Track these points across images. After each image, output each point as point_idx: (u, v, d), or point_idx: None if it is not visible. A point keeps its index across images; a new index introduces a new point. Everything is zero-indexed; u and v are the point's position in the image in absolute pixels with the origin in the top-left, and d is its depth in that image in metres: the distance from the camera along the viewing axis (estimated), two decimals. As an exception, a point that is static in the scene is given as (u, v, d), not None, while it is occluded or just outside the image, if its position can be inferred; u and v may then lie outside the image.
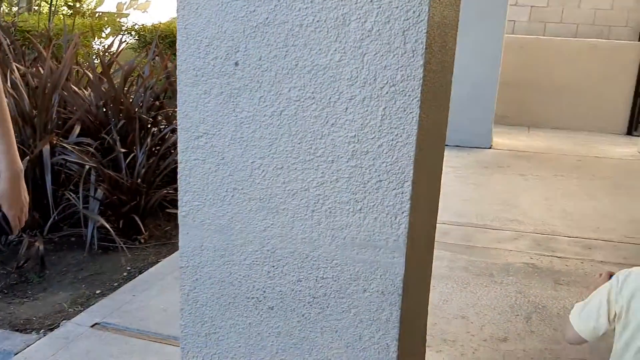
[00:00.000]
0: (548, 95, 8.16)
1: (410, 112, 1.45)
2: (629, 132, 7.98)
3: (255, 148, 1.58)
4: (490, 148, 6.75)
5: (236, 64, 1.56)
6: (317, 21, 1.46)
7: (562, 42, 8.26)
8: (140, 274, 3.31)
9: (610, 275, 1.54)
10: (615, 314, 1.37)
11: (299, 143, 1.55)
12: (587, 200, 4.83)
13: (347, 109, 1.49)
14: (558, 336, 2.69)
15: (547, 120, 8.14)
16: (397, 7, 1.40)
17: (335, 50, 1.47)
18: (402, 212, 1.51)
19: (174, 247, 3.63)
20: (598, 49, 8.06)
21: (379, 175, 1.51)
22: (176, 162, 4.20)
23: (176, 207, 3.99)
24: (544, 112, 8.17)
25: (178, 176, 1.67)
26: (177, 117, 1.63)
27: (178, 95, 1.62)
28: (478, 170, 5.73)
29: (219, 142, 1.61)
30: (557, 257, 3.63)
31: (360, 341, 1.61)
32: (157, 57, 4.93)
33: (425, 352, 2.19)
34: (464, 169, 5.77)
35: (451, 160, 6.04)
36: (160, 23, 6.94)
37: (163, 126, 4.32)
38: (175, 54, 5.63)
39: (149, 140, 3.95)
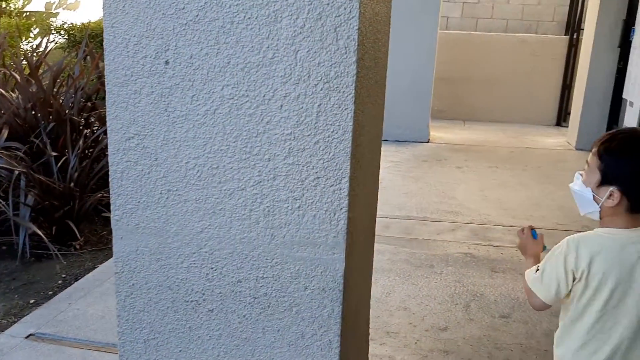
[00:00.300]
0: (481, 90, 8.39)
1: (345, 109, 1.46)
2: (558, 124, 8.31)
3: (189, 148, 1.55)
4: (428, 142, 6.89)
5: (166, 62, 1.52)
6: (249, 18, 1.44)
7: (493, 37, 8.51)
8: (76, 281, 3.20)
9: (532, 229, 1.80)
10: (575, 278, 1.53)
11: (234, 142, 1.52)
12: (520, 190, 5.00)
13: (282, 106, 1.48)
14: (496, 323, 2.77)
15: (481, 113, 8.37)
16: (328, 4, 1.39)
17: (268, 47, 1.45)
18: (341, 209, 1.51)
19: (112, 252, 3.52)
20: (527, 43, 8.35)
21: (316, 172, 1.50)
22: (111, 165, 4.03)
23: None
24: (478, 105, 8.41)
25: (110, 179, 1.61)
26: (107, 119, 1.58)
27: (107, 96, 1.56)
28: (417, 164, 5.84)
29: (152, 143, 1.57)
30: (493, 246, 3.74)
31: (303, 339, 1.61)
32: (87, 57, 4.77)
33: (368, 346, 2.21)
34: (404, 163, 5.87)
35: (391, 154, 6.12)
36: (90, 21, 6.71)
37: (96, 128, 4.19)
38: (106, 53, 5.37)
39: (81, 142, 3.82)
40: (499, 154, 6.44)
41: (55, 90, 4.17)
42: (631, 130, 1.64)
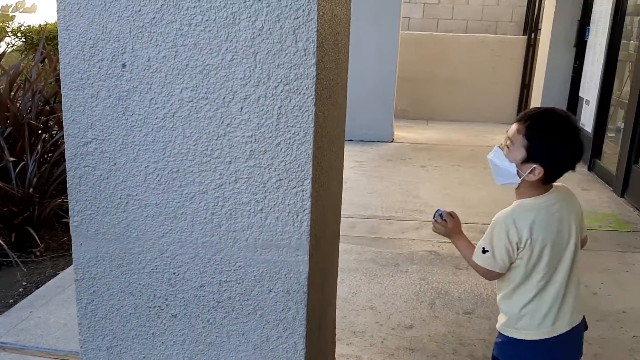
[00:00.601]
0: (443, 89, 8.51)
1: (306, 110, 1.46)
2: (519, 122, 8.48)
3: (149, 152, 1.53)
4: (392, 142, 6.94)
5: (123, 65, 1.50)
6: (207, 20, 1.43)
7: (453, 38, 8.64)
8: (37, 288, 3.13)
9: (438, 211, 1.98)
10: (519, 247, 1.72)
11: (194, 145, 1.51)
12: (481, 188, 5.08)
13: (242, 108, 1.48)
14: (460, 319, 2.81)
15: (444, 112, 8.49)
16: (286, 6, 1.40)
17: (227, 49, 1.45)
18: (304, 210, 1.52)
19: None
20: (487, 43, 8.49)
21: (278, 174, 1.50)
22: (71, 170, 3.94)
23: (73, 216, 3.75)
24: (440, 105, 8.52)
25: (68, 185, 1.58)
26: (64, 123, 1.55)
27: (63, 100, 1.53)
28: (382, 164, 5.88)
29: (110, 148, 1.55)
30: (457, 243, 3.79)
31: (268, 342, 1.60)
32: (45, 60, 4.66)
33: (335, 346, 2.22)
34: (368, 163, 5.90)
35: (356, 154, 6.16)
36: (47, 23, 6.56)
37: (55, 132, 4.10)
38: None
39: (39, 147, 3.73)
40: (461, 152, 6.54)
41: (12, 94, 4.07)
42: (552, 110, 1.73)
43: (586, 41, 6.42)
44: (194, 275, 1.58)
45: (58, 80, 4.33)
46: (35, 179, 3.60)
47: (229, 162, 1.51)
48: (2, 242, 3.26)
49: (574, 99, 6.63)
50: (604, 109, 5.77)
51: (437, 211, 1.98)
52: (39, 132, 3.98)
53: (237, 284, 1.58)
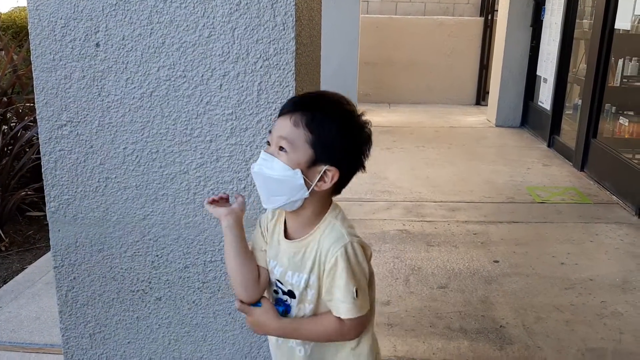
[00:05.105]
0: (404, 72, 8.57)
1: (287, 86, 1.46)
2: (478, 102, 8.61)
3: (127, 133, 1.51)
4: (356, 125, 6.97)
5: (97, 45, 1.46)
6: (183, -4, 1.41)
7: (412, 20, 8.69)
8: (5, 283, 3.04)
9: (256, 303, 1.32)
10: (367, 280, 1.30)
11: (174, 124, 1.49)
12: (447, 167, 5.15)
13: (221, 85, 1.46)
14: (435, 294, 2.86)
15: (405, 96, 8.55)
16: (264, -21, 1.39)
17: (204, 25, 1.43)
18: (286, 186, 1.51)
19: (40, 252, 3.36)
20: (445, 25, 8.58)
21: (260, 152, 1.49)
22: (33, 162, 3.85)
23: (37, 209, 3.68)
24: (402, 88, 8.58)
25: (43, 170, 1.54)
26: (36, 106, 1.51)
27: (35, 82, 1.49)
28: (347, 147, 5.90)
29: (86, 130, 1.51)
30: (426, 221, 3.84)
31: (255, 320, 1.60)
32: (0, 50, 4.51)
33: (316, 324, 2.23)
34: (334, 147, 5.91)
35: (320, 139, 6.15)
36: (-1, 13, 6.34)
37: (14, 123, 3.97)
38: (20, 46, 5.14)
39: (-1, 139, 3.62)
40: (425, 134, 6.61)
41: (-35, 86, 3.92)
42: (330, 93, 1.33)
43: (542, 20, 6.55)
44: (178, 257, 1.57)
45: (15, 71, 4.20)
46: (-5, 173, 3.48)
47: (209, 140, 1.49)
48: (-36, 239, 3.16)
49: (532, 78, 6.77)
50: (561, 86, 5.91)
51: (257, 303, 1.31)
52: (-3, 124, 3.85)
53: (222, 263, 1.57)
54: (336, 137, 1.21)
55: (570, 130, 5.65)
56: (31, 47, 1.47)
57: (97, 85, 1.48)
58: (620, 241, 3.56)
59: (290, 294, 1.30)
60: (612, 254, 3.37)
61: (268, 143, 1.24)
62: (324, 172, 1.21)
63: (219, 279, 1.57)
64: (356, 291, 1.22)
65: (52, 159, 1.53)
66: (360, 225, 3.77)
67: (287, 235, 1.30)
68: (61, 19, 1.45)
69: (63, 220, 1.57)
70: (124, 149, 1.51)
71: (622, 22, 4.64)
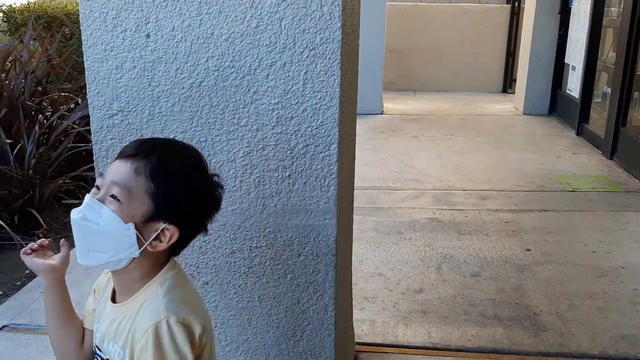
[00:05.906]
0: (430, 60, 8.52)
1: (332, 75, 1.48)
2: (504, 90, 8.54)
3: (176, 122, 1.54)
4: (382, 114, 6.96)
5: (148, 35, 1.50)
6: (232, -13, 1.43)
7: (438, 8, 8.63)
8: (43, 270, 3.13)
9: None
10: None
11: (222, 114, 1.53)
12: (476, 155, 5.14)
13: (268, 75, 1.49)
14: (468, 282, 2.88)
15: (431, 83, 8.52)
16: (312, -30, 1.40)
17: (252, 16, 1.45)
18: (331, 175, 1.54)
19: (77, 239, 3.44)
20: (471, 13, 8.50)
21: (305, 140, 1.52)
22: (69, 150, 3.93)
23: (73, 196, 3.76)
24: (427, 76, 8.54)
25: (94, 158, 1.59)
26: (88, 96, 1.55)
27: (87, 72, 1.53)
28: (374, 136, 5.91)
29: (137, 119, 1.55)
30: (456, 209, 3.85)
31: (299, 304, 1.64)
32: (34, 40, 4.59)
33: (352, 310, 2.27)
34: (361, 135, 5.89)
35: (346, 128, 6.16)
36: (30, 3, 6.43)
37: (49, 113, 4.05)
38: (52, 36, 5.24)
39: (36, 128, 3.69)
40: (451, 121, 6.59)
41: (3, 75, 4.01)
42: (177, 142, 1.19)
43: (570, 8, 6.46)
44: (225, 243, 1.61)
45: (49, 61, 4.27)
46: (34, 161, 3.57)
47: (256, 129, 1.53)
48: (4, 225, 3.24)
49: (560, 66, 6.69)
50: (590, 74, 5.83)
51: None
52: (33, 113, 3.93)
53: (267, 249, 1.60)
54: (182, 193, 1.09)
55: (599, 119, 5.59)
56: (82, 38, 1.51)
57: (147, 76, 1.51)
58: (653, 230, 3.54)
59: None
60: (645, 243, 3.35)
61: (97, 187, 1.08)
62: (162, 230, 1.08)
63: (264, 264, 1.61)
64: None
65: (104, 147, 1.58)
66: (389, 214, 3.80)
67: (114, 297, 1.16)
68: (112, 10, 1.48)
69: (114, 206, 1.61)
70: (173, 137, 1.55)
71: (656, 8, 4.56)
